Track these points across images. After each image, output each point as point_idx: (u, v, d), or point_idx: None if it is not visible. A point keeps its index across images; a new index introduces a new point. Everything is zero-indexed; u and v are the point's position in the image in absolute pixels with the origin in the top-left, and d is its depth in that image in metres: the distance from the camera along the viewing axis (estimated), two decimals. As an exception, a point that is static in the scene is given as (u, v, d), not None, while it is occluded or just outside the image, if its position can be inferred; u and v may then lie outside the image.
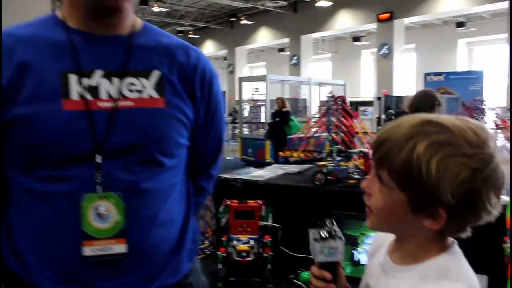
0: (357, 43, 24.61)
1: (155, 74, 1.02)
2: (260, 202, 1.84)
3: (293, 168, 2.73)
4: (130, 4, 0.99)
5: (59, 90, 0.94)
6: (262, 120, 13.11)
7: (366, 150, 2.13)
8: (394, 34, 18.38)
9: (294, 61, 22.52)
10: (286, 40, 23.41)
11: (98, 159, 0.94)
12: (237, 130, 14.79)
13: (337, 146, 2.32)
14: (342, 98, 2.31)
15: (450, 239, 0.88)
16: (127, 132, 0.97)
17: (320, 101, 8.33)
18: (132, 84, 0.99)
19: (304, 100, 14.42)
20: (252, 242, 1.85)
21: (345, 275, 0.99)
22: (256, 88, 11.57)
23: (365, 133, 2.49)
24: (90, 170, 0.94)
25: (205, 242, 2.72)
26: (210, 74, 1.12)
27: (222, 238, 1.96)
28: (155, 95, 1.01)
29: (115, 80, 0.98)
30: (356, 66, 25.91)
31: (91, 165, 0.94)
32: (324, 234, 0.93)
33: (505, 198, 2.46)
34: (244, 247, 1.81)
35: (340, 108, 2.32)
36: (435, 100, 3.26)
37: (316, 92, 13.90)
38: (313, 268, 0.94)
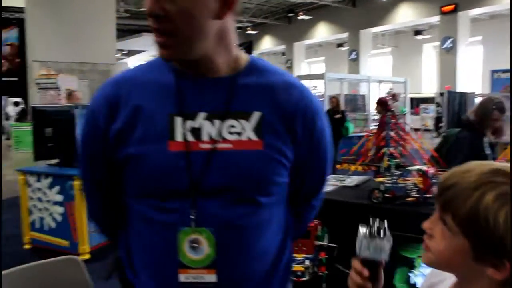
0: (418, 37, 23.83)
1: (255, 116, 1.03)
2: (316, 222, 1.86)
3: (351, 179, 2.72)
4: (202, 50, 0.99)
5: (166, 132, 1.00)
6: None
7: (425, 168, 2.10)
8: (458, 27, 17.65)
9: (353, 56, 22.16)
10: (344, 35, 23.06)
11: (194, 196, 1.00)
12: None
13: (395, 160, 2.30)
14: (394, 118, 2.27)
15: None
16: (223, 173, 1.00)
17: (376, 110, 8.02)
18: (232, 126, 1.02)
19: (363, 96, 14.18)
20: (307, 262, 1.88)
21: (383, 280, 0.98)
22: (315, 86, 11.48)
23: (425, 149, 2.44)
24: (186, 206, 1.00)
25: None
26: (312, 112, 1.09)
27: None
28: (254, 137, 1.02)
29: (217, 122, 1.01)
30: (417, 61, 25.09)
31: (187, 201, 1.00)
32: (374, 231, 0.92)
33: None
34: (299, 267, 1.84)
35: (399, 122, 2.28)
36: (502, 108, 3.13)
37: (375, 89, 13.60)
38: (355, 262, 0.95)
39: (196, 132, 1.01)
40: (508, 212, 0.78)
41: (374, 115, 10.71)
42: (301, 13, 23.15)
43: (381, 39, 24.58)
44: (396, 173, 2.25)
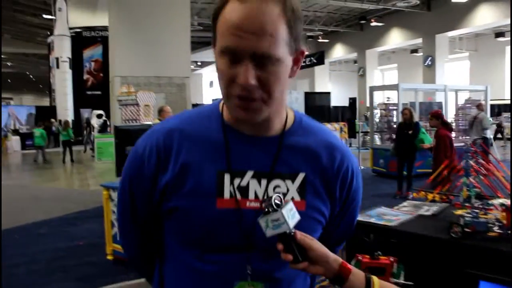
0: (500, 39, 22.52)
1: (300, 177, 1.06)
2: (392, 259, 1.82)
3: (428, 207, 2.64)
4: (271, 112, 1.03)
5: (215, 189, 1.03)
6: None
7: (509, 202, 1.99)
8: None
9: (428, 62, 21.36)
10: (419, 41, 22.32)
11: (249, 251, 1.04)
12: (368, 138, 14.48)
13: (475, 190, 2.20)
14: (473, 146, 2.17)
15: None
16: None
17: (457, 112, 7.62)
18: (278, 186, 1.05)
19: (439, 103, 13.62)
20: (382, 299, 1.84)
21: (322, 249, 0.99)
22: (388, 97, 11.19)
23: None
24: (242, 261, 1.04)
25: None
26: (351, 174, 1.14)
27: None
28: (297, 198, 1.05)
29: (263, 181, 1.05)
30: (499, 64, 23.70)
31: (241, 256, 1.04)
32: (264, 209, 0.95)
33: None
34: (374, 305, 1.81)
35: (479, 151, 2.19)
36: None
37: (452, 98, 13.02)
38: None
39: (243, 190, 1.04)
40: None
41: (452, 123, 10.24)
42: (373, 19, 22.72)
43: (459, 43, 23.52)
44: (477, 205, 2.15)
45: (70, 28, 23.73)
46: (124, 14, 13.31)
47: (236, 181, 1.04)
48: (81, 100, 24.71)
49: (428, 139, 8.38)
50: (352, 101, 17.62)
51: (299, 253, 0.96)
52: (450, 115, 12.39)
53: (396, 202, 3.45)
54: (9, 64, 45.99)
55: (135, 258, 1.25)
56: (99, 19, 22.83)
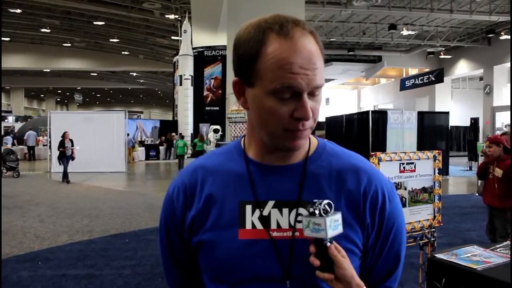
0: None
1: (323, 203, 1.04)
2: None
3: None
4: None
5: (237, 220, 1.04)
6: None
7: None
8: None
9: None
10: (557, 55, 20.10)
11: (279, 282, 1.02)
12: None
13: None
14: None
15: None
16: (292, 261, 1.03)
17: None
18: (300, 214, 1.03)
19: None
20: None
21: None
22: (512, 118, 10.22)
23: None
24: None
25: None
26: (382, 197, 1.07)
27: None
28: None
29: (285, 210, 1.04)
30: None
31: (254, 287, 1.03)
32: (311, 210, 0.94)
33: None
34: None
35: None
36: None
37: None
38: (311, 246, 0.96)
39: (265, 220, 1.04)
40: None
41: None
42: (503, 32, 21.00)
43: None
44: None
45: (193, 48, 25.38)
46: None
47: (258, 211, 1.05)
48: (200, 115, 26.20)
49: None
50: (474, 121, 16.38)
51: (327, 264, 0.96)
52: None
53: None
54: (141, 81, 50.51)
55: None
56: (219, 39, 24.14)
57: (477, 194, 9.05)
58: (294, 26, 0.94)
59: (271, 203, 1.05)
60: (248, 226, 1.04)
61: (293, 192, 1.05)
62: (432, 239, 3.38)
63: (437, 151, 3.31)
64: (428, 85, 23.45)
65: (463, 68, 26.21)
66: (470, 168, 16.71)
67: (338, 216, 0.96)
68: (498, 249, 2.47)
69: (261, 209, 1.04)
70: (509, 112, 12.25)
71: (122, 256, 5.81)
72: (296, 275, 1.02)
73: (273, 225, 1.04)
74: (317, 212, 0.94)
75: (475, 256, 2.32)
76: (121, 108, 45.47)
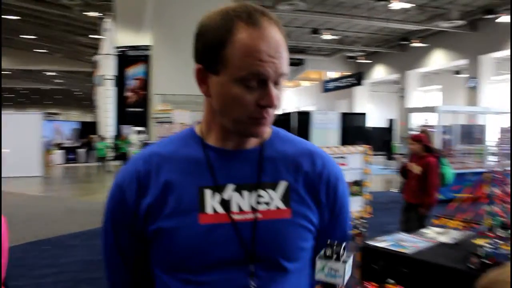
0: (550, 61, 21.68)
1: (282, 185, 1.07)
2: None
3: (449, 235, 2.49)
4: None
5: (196, 205, 1.03)
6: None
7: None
8: None
9: (471, 83, 20.74)
10: (463, 62, 21.74)
11: (242, 266, 1.02)
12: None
13: (500, 219, 2.07)
14: (500, 174, 2.04)
15: None
16: (255, 243, 1.03)
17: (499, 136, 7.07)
18: (261, 196, 1.05)
19: (481, 127, 13.14)
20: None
21: None
22: (426, 119, 10.91)
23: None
24: (235, 276, 1.02)
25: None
26: (335, 179, 1.14)
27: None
28: (281, 206, 1.05)
29: (245, 193, 1.05)
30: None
31: (235, 272, 1.02)
32: (328, 253, 0.92)
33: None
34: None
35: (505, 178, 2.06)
36: None
37: (495, 120, 12.56)
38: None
39: (226, 204, 1.03)
40: None
41: (492, 147, 9.83)
42: (416, 40, 22.36)
43: (505, 64, 22.75)
44: (500, 235, 2.01)
45: (116, 47, 24.60)
46: (167, 34, 13.67)
47: (218, 196, 1.04)
48: (122, 116, 25.42)
49: (450, 175, 5.82)
50: (391, 122, 17.30)
51: None
52: (492, 138, 11.95)
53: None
54: (59, 81, 48.11)
55: None
56: (143, 39, 23.58)
57: (395, 191, 9.53)
58: (262, 15, 0.96)
59: (231, 186, 1.04)
60: (209, 210, 1.03)
61: (253, 175, 1.06)
62: (364, 229, 3.51)
63: (368, 146, 3.44)
64: (349, 87, 24.47)
65: (380, 72, 27.60)
66: (387, 167, 17.64)
67: (352, 260, 0.95)
68: (423, 235, 2.66)
69: (221, 193, 1.04)
70: (420, 113, 13.14)
71: (41, 264, 5.46)
72: (259, 257, 1.02)
73: (234, 208, 1.04)
74: (331, 254, 0.92)
75: (404, 242, 2.48)
76: (37, 110, 42.98)
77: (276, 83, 0.98)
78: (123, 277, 1.17)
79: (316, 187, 1.10)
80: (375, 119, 23.11)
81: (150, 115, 14.61)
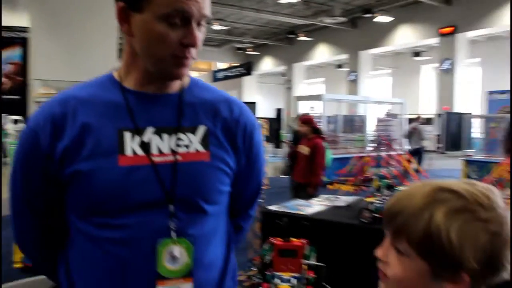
0: (417, 58, 24.03)
1: (201, 129, 1.09)
2: (304, 241, 1.84)
3: (342, 199, 2.72)
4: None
5: (116, 147, 1.02)
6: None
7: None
8: (456, 48, 17.80)
9: (352, 77, 22.29)
10: (344, 56, 23.25)
11: (162, 207, 1.02)
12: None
13: (385, 181, 2.29)
14: (385, 140, 2.26)
15: None
16: (175, 184, 1.04)
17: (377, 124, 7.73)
18: (180, 139, 1.06)
19: (361, 117, 14.22)
20: (294, 281, 1.86)
21: None
22: (312, 107, 11.51)
23: (417, 171, 2.43)
24: (155, 218, 1.02)
25: (252, 269, 2.73)
26: (251, 126, 1.18)
27: (267, 272, 1.98)
28: (201, 149, 1.08)
29: (165, 136, 1.06)
30: (416, 82, 25.26)
31: (155, 213, 1.02)
32: None
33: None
34: (285, 286, 1.82)
35: (389, 143, 2.28)
36: None
37: (374, 110, 13.66)
38: None
39: (146, 146, 1.04)
40: (459, 225, 0.79)
41: (373, 136, 10.70)
42: (302, 34, 23.36)
43: (381, 60, 24.76)
44: (386, 194, 2.24)
45: (-14, 28, 22.36)
46: (46, 14, 12.71)
47: (138, 138, 1.03)
48: (-4, 104, 23.28)
49: (330, 157, 6.32)
50: (278, 111, 17.95)
51: None
52: (371, 127, 12.99)
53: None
54: None
55: (29, 249, 1.18)
56: (19, 19, 21.69)
57: (282, 176, 9.91)
58: None
59: (151, 129, 1.05)
60: (128, 152, 1.02)
61: (173, 119, 1.07)
62: (262, 200, 3.68)
63: (265, 120, 3.58)
64: (238, 77, 24.85)
65: (268, 64, 28.44)
66: (275, 155, 18.29)
67: None
68: (317, 201, 2.91)
69: (141, 136, 1.04)
70: (307, 102, 13.84)
71: None
72: (179, 198, 1.04)
73: (154, 151, 1.04)
74: None
75: (301, 206, 2.70)
76: None
77: (198, 24, 1.00)
78: (31, 231, 1.12)
79: (234, 132, 1.14)
80: (264, 110, 23.78)
81: (30, 103, 13.52)
